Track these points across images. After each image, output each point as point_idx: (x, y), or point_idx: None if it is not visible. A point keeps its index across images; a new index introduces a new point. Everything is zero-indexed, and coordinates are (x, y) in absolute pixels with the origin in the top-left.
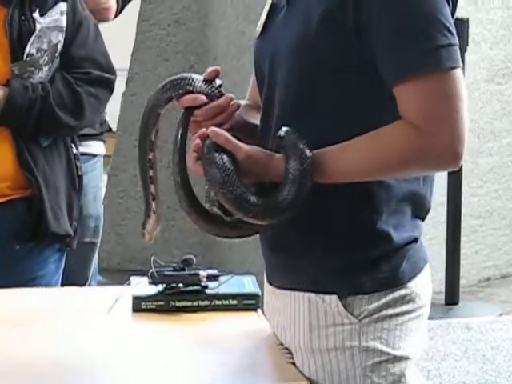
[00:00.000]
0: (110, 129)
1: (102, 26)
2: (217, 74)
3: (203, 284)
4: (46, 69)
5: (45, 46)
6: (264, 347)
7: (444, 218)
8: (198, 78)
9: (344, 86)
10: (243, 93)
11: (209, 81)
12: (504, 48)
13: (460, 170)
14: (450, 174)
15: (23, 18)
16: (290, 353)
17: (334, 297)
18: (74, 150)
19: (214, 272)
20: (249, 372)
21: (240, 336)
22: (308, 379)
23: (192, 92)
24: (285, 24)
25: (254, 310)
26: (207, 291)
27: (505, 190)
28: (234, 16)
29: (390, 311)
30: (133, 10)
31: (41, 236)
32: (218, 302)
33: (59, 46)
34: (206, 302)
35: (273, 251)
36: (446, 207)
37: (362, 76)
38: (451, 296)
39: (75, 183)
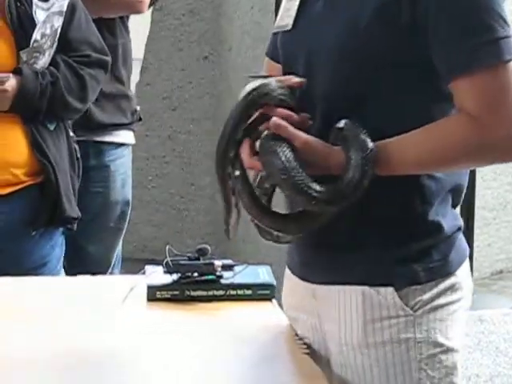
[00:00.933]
0: (141, 118)
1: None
2: (300, 87)
3: (218, 274)
4: (47, 53)
5: (48, 31)
6: (279, 337)
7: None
8: (281, 90)
9: (396, 80)
10: None
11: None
12: None
13: None
14: None
15: (19, 3)
16: (305, 343)
17: (390, 289)
18: (71, 133)
19: (229, 262)
20: (263, 362)
21: (254, 326)
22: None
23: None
24: (326, 17)
25: (269, 300)
26: (222, 281)
27: None
28: (248, 6)
29: (442, 300)
30: None
31: (56, 220)
32: (233, 292)
33: (59, 30)
34: (221, 292)
35: (319, 248)
36: None
37: (414, 70)
38: None
39: (75, 166)
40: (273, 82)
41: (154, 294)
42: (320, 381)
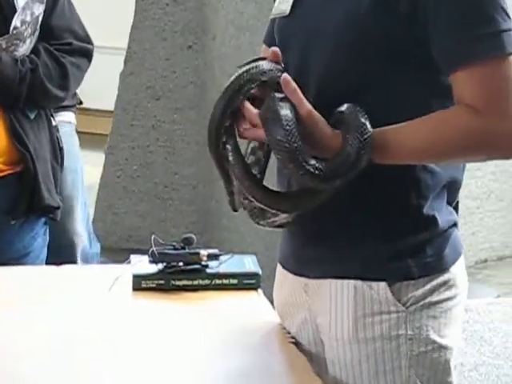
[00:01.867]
0: (81, 102)
1: (99, 5)
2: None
3: (204, 263)
4: (28, 41)
5: (28, 18)
6: (264, 327)
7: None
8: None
9: (392, 72)
10: None
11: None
12: None
13: None
14: None
15: None
16: (289, 333)
17: (383, 284)
18: (53, 122)
19: (215, 251)
20: (249, 351)
21: (240, 315)
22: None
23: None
24: (324, 4)
25: (255, 289)
26: (208, 270)
27: (502, 172)
28: None
29: (435, 297)
30: None
31: (35, 209)
32: (219, 281)
33: (40, 18)
34: (207, 281)
35: (311, 242)
36: None
37: (411, 62)
38: None
39: (57, 155)
40: (264, 63)
41: (140, 284)
42: (305, 369)
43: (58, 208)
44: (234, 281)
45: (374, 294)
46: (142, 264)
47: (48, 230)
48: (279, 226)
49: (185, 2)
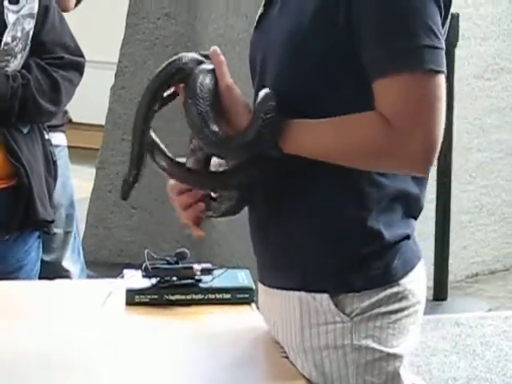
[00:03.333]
0: (70, 120)
1: (90, 20)
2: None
3: (197, 277)
4: (19, 56)
5: (19, 34)
6: (258, 341)
7: (433, 213)
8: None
9: (336, 80)
10: None
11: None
12: (493, 44)
13: (449, 166)
14: (438, 169)
15: None
16: (283, 347)
17: (325, 295)
18: (47, 136)
19: (208, 266)
20: (242, 366)
21: (234, 330)
22: (303, 377)
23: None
24: (278, 19)
25: (248, 303)
26: (201, 285)
27: (493, 186)
28: (223, 9)
29: (383, 309)
30: (122, 3)
31: (30, 224)
32: (212, 296)
33: (31, 33)
34: (200, 296)
35: (262, 250)
36: (434, 203)
37: (350, 71)
38: (440, 291)
39: (51, 169)
40: (189, 55)
41: (133, 298)
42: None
43: (52, 222)
44: (228, 295)
45: (318, 305)
46: (136, 279)
47: (41, 246)
48: (225, 214)
49: (176, 17)
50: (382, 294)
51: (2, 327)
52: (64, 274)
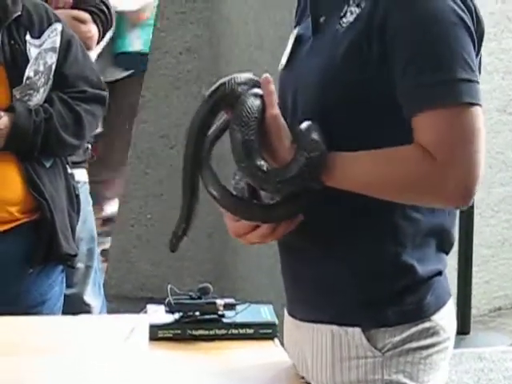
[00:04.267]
0: (93, 156)
1: None
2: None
3: (220, 313)
4: (42, 90)
5: (41, 68)
6: (281, 377)
7: (456, 247)
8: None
9: (368, 117)
10: None
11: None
12: None
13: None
14: None
15: (12, 41)
16: (307, 382)
17: (358, 329)
18: (69, 170)
19: (231, 301)
20: None
21: (257, 366)
22: None
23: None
24: (310, 56)
25: (271, 339)
26: (224, 320)
27: None
28: (245, 44)
29: (414, 344)
30: None
31: (53, 258)
32: (235, 331)
33: (53, 67)
34: (223, 331)
35: (295, 284)
36: (457, 236)
37: (386, 104)
38: (463, 325)
39: (74, 203)
40: (244, 75)
41: (156, 334)
42: None
43: (75, 255)
44: (251, 331)
45: (350, 339)
46: (159, 314)
47: (65, 280)
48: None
49: (198, 51)
50: (413, 329)
51: (24, 363)
52: (85, 308)
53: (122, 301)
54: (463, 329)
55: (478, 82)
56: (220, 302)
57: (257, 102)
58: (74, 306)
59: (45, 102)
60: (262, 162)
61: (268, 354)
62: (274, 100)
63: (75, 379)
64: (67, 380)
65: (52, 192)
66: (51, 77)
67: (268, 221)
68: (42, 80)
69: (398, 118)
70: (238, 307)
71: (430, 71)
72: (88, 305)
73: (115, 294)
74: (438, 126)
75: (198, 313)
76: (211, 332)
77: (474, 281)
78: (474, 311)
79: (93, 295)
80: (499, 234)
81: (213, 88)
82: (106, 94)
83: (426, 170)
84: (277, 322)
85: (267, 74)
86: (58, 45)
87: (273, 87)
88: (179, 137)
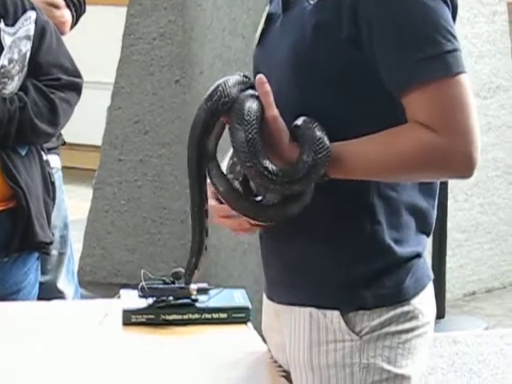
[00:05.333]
0: (65, 142)
1: (86, 41)
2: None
3: (193, 297)
4: (16, 78)
5: (16, 56)
6: (255, 360)
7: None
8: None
9: (341, 95)
10: None
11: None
12: (489, 62)
13: (445, 184)
14: None
15: None
16: (281, 366)
17: (336, 312)
18: (45, 157)
19: (205, 285)
20: None
21: (230, 349)
22: None
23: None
24: (280, 34)
25: (245, 323)
26: (197, 304)
27: (490, 205)
28: (219, 30)
29: (393, 328)
30: (118, 23)
31: (28, 246)
32: (208, 316)
33: (28, 55)
34: (196, 316)
35: (273, 267)
36: None
37: (359, 85)
38: (437, 310)
39: (49, 190)
40: (233, 78)
41: (130, 318)
42: None
43: (51, 243)
44: (224, 315)
45: (328, 322)
46: (132, 299)
47: (39, 268)
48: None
49: (172, 37)
50: (392, 313)
51: (0, 348)
52: (59, 295)
53: (97, 287)
54: (438, 313)
55: (460, 50)
56: (193, 286)
57: (255, 103)
58: (48, 293)
59: (19, 90)
60: (268, 162)
61: (241, 338)
62: (271, 100)
63: (48, 363)
64: (41, 364)
65: (27, 180)
66: (26, 65)
67: (272, 220)
68: (17, 68)
69: (374, 95)
70: (211, 292)
71: (415, 47)
72: (61, 292)
73: (90, 280)
74: (433, 100)
75: (171, 297)
76: (184, 316)
77: (447, 265)
78: (448, 295)
79: (66, 282)
80: (473, 219)
81: (209, 92)
82: (81, 81)
83: (431, 144)
84: (250, 306)
85: (261, 75)
86: (32, 33)
87: (268, 87)
88: (153, 123)
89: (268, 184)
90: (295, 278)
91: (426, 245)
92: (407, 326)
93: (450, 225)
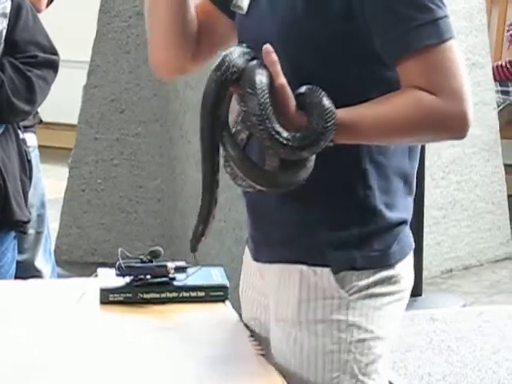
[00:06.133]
0: (41, 121)
1: (62, 19)
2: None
3: (171, 276)
4: None
5: None
6: (233, 338)
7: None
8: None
9: (332, 65)
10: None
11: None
12: (465, 39)
13: (422, 161)
14: None
15: None
16: (260, 344)
17: (327, 270)
18: (21, 136)
19: (182, 264)
20: (218, 364)
21: (208, 328)
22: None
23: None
24: (270, 6)
25: (222, 301)
26: (175, 283)
27: (467, 182)
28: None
29: (378, 290)
30: (94, 1)
31: (5, 224)
32: (186, 294)
33: (4, 32)
34: (174, 294)
35: (264, 226)
36: None
37: (351, 55)
38: (414, 287)
39: (26, 168)
40: (237, 50)
41: (107, 297)
42: (276, 381)
43: (28, 222)
44: (202, 293)
45: (318, 279)
46: (109, 277)
47: (16, 247)
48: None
49: None
50: (378, 276)
51: None
52: (36, 273)
53: (74, 266)
54: (415, 290)
55: (449, 16)
56: (171, 265)
57: (264, 72)
58: (25, 272)
59: None
60: (280, 127)
61: (219, 316)
62: (279, 69)
63: (26, 343)
64: (18, 343)
65: (4, 159)
66: (2, 42)
67: (285, 188)
68: None
69: (368, 63)
70: (189, 270)
71: (408, 15)
72: (39, 271)
73: (66, 259)
74: (430, 65)
75: (148, 276)
76: (162, 295)
77: (424, 242)
78: (425, 273)
79: (44, 261)
80: (450, 196)
81: (216, 63)
82: (57, 58)
83: (433, 106)
84: (228, 284)
85: (268, 45)
86: (8, 10)
87: (275, 56)
88: (129, 101)
89: (278, 148)
90: (285, 237)
91: (412, 212)
92: (390, 289)
93: (427, 202)
